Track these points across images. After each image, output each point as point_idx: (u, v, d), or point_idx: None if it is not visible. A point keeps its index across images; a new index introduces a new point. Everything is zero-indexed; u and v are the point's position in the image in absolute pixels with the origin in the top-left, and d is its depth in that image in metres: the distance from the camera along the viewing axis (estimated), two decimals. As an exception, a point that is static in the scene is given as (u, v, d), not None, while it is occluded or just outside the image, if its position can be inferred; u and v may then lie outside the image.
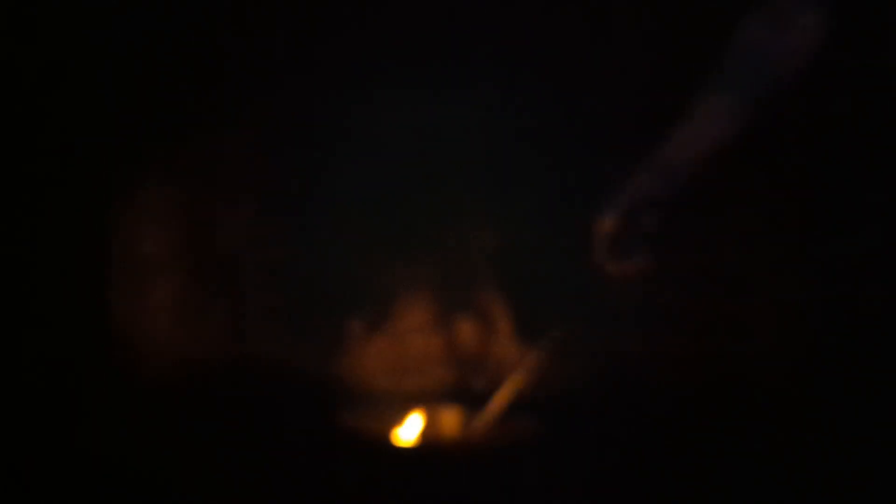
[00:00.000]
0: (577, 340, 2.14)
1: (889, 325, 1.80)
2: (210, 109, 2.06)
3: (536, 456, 1.96)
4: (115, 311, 1.86)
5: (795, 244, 1.87)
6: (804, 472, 1.83)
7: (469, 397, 2.31)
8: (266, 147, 2.31)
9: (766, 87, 1.42)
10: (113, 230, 1.87)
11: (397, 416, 2.15)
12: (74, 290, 1.82)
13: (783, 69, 1.42)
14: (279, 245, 2.32)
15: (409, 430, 2.13)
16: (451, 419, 2.15)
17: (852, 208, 1.83)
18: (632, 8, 1.99)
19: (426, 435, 2.13)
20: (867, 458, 1.81)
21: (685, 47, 1.90)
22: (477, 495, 1.90)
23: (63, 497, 1.77)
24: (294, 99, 2.05)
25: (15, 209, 1.79)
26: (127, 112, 1.89)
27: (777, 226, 1.90)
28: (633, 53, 2.02)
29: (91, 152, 1.85)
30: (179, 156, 2.10)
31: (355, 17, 1.97)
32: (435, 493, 1.89)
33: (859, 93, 1.82)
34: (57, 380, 1.79)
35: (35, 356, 1.79)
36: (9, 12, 1.79)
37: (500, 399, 1.95)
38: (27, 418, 1.78)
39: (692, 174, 1.48)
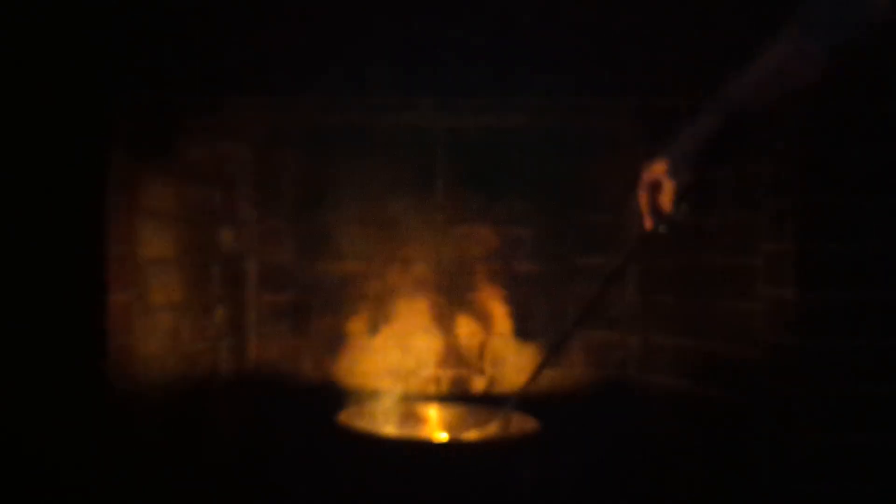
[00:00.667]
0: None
1: (889, 325, 1.80)
2: (211, 110, 2.06)
3: (536, 456, 1.96)
4: (115, 311, 1.86)
5: (794, 244, 1.87)
6: (803, 472, 1.83)
7: (469, 397, 2.33)
8: (267, 147, 2.32)
9: (845, 37, 1.42)
10: (113, 230, 1.86)
11: (398, 415, 2.15)
12: (74, 290, 1.81)
13: (863, 23, 1.41)
14: (280, 245, 2.34)
15: (409, 429, 2.14)
16: (451, 418, 2.16)
17: (853, 209, 1.82)
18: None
19: (426, 433, 2.14)
20: (867, 458, 1.81)
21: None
22: (477, 493, 1.90)
23: (63, 497, 1.77)
24: (294, 99, 2.05)
25: (15, 210, 1.79)
26: (128, 113, 1.89)
27: (777, 226, 1.89)
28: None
29: (91, 153, 1.84)
30: (181, 156, 2.10)
31: (356, 16, 1.97)
32: (435, 491, 1.89)
33: (861, 92, 1.82)
34: (57, 379, 1.79)
35: (35, 356, 1.79)
36: (10, 12, 1.79)
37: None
38: (27, 419, 1.77)
39: (759, 117, 1.47)
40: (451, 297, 2.34)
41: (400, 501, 1.88)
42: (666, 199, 1.53)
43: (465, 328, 2.36)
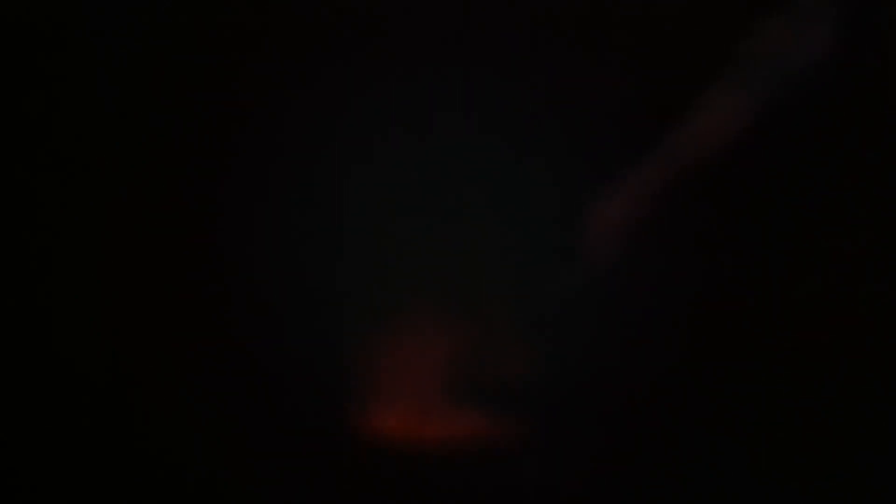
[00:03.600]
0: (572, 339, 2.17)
1: (888, 325, 1.80)
2: (210, 109, 2.07)
3: (536, 456, 1.96)
4: (114, 311, 1.87)
5: (795, 243, 1.87)
6: (801, 474, 1.83)
7: (472, 396, 2.33)
8: (267, 148, 2.33)
9: (780, 87, 1.43)
10: (112, 230, 1.88)
11: (400, 415, 2.15)
12: (73, 290, 1.83)
13: (798, 71, 1.43)
14: (281, 244, 2.34)
15: (411, 429, 2.13)
16: (454, 418, 2.15)
17: (852, 207, 1.82)
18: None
19: (428, 433, 2.14)
20: (866, 460, 1.81)
21: (701, 43, 1.90)
22: (477, 494, 1.90)
23: (62, 497, 1.79)
24: (294, 99, 2.06)
25: (15, 210, 1.81)
26: (126, 113, 1.90)
27: (778, 225, 1.89)
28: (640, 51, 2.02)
29: (91, 153, 1.86)
30: (180, 156, 2.11)
31: (356, 20, 1.98)
32: (435, 491, 1.90)
33: (859, 92, 1.81)
34: (56, 379, 1.81)
35: (34, 355, 1.81)
36: (10, 13, 1.81)
37: None
38: (26, 417, 1.79)
39: (699, 168, 1.49)
40: (455, 296, 2.34)
41: (402, 501, 1.89)
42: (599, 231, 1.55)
43: (469, 328, 2.35)
